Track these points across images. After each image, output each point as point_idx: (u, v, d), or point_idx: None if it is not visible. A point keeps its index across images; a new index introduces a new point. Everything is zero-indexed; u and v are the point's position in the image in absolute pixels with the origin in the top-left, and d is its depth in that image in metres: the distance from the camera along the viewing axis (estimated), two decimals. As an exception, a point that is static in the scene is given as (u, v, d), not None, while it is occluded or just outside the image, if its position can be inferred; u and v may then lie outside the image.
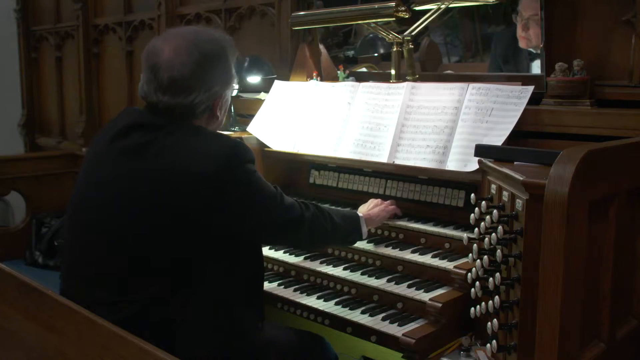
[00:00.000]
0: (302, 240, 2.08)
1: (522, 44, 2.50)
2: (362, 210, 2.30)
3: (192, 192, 1.74)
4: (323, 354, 2.18)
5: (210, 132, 1.90)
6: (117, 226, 1.78)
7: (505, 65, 2.62)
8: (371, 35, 3.05)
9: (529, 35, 2.45)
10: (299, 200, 2.01)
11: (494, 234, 1.75)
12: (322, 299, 2.18)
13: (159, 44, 1.85)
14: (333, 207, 2.15)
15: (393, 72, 2.68)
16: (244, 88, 3.19)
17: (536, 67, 2.47)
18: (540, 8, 2.30)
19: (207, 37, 1.88)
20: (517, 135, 2.17)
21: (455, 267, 2.03)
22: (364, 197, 2.48)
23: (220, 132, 2.05)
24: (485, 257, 1.77)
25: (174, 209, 1.74)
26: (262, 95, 3.08)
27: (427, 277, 2.14)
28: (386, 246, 2.30)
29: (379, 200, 2.38)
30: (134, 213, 1.77)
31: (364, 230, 2.20)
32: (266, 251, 2.50)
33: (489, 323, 1.73)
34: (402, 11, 2.50)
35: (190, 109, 1.85)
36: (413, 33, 2.62)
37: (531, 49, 2.48)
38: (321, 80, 2.92)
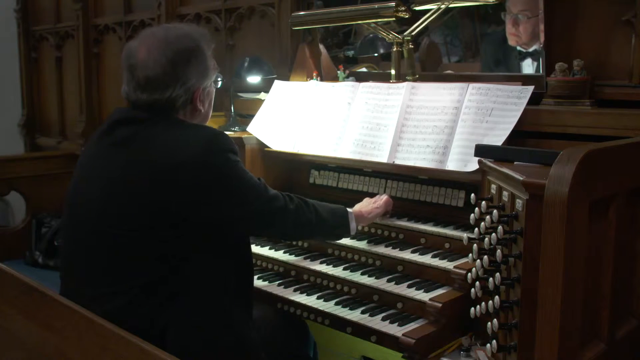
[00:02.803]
0: (286, 231, 2.08)
1: (511, 41, 2.48)
2: (355, 207, 2.31)
3: (173, 182, 1.76)
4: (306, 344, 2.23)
5: (192, 123, 1.94)
6: (104, 221, 1.81)
7: (497, 67, 2.62)
8: (371, 35, 3.05)
9: (518, 32, 2.43)
10: (283, 193, 2.02)
11: (494, 234, 1.75)
12: (322, 299, 2.18)
13: (134, 46, 1.92)
14: (321, 202, 2.16)
15: (393, 72, 2.68)
16: (244, 88, 3.19)
17: (527, 67, 2.46)
18: (537, 6, 2.30)
19: (178, 33, 1.92)
20: (517, 135, 2.17)
21: (455, 267, 2.03)
22: (364, 197, 2.47)
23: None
24: (485, 257, 1.77)
25: (157, 201, 1.76)
26: (262, 95, 3.08)
27: (427, 277, 2.14)
28: (386, 246, 2.30)
29: (372, 199, 2.39)
30: (119, 207, 1.80)
31: (353, 226, 2.19)
32: (266, 251, 2.51)
33: (489, 323, 1.73)
34: (402, 11, 2.51)
35: (169, 103, 1.89)
36: (413, 33, 2.62)
37: (521, 48, 2.47)
38: (321, 80, 2.92)
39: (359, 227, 2.29)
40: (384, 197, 2.40)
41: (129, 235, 1.78)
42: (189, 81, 1.90)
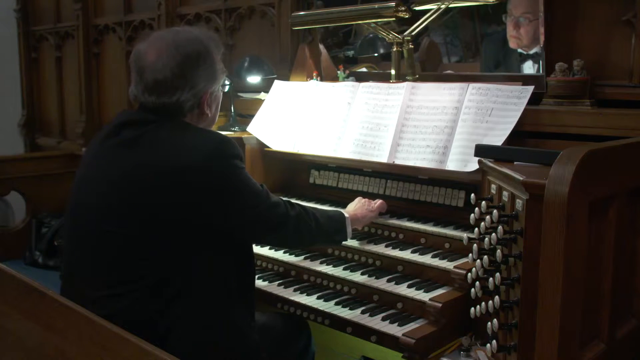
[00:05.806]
0: (287, 239, 2.09)
1: (512, 43, 2.48)
2: (349, 209, 2.31)
3: (178, 185, 1.76)
4: (306, 346, 2.24)
5: (198, 127, 1.93)
6: (107, 222, 1.81)
7: (496, 68, 2.62)
8: (371, 35, 3.05)
9: (519, 34, 2.44)
10: (284, 199, 2.02)
11: (494, 234, 1.75)
12: (322, 299, 2.18)
13: (143, 48, 1.91)
14: (320, 208, 2.17)
15: (393, 72, 2.68)
16: (244, 88, 3.20)
17: (527, 69, 2.46)
18: (539, 8, 2.30)
19: (188, 37, 1.92)
20: (517, 135, 2.17)
21: (455, 267, 2.03)
22: (364, 197, 2.48)
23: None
24: (485, 257, 1.77)
25: (160, 204, 1.76)
26: (262, 95, 3.09)
27: (427, 277, 2.14)
28: (386, 246, 2.30)
29: (365, 200, 2.40)
30: (122, 207, 1.79)
31: (349, 230, 2.21)
32: (266, 251, 2.51)
33: (489, 323, 1.73)
34: (402, 11, 2.51)
35: (177, 107, 1.90)
36: (413, 33, 2.62)
37: (522, 50, 2.47)
38: (321, 80, 2.92)
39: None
40: (378, 202, 2.41)
41: (132, 236, 1.78)
42: (197, 85, 1.90)
